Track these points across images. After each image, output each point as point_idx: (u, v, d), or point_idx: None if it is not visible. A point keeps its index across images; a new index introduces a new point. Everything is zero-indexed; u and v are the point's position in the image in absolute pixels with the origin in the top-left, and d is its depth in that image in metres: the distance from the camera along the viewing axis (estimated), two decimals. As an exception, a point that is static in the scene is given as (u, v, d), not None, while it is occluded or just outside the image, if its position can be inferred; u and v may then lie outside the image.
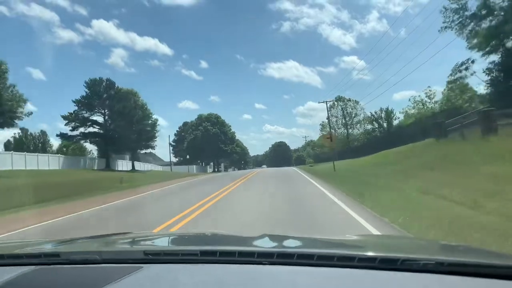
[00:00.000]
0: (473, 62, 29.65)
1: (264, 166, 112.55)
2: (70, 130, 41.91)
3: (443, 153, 16.32)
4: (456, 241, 4.09)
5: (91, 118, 43.01)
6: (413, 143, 30.25)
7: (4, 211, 12.96)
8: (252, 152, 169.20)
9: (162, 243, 2.26)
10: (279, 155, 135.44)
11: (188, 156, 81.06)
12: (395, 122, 68.75)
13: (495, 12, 24.75)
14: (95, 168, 44.07)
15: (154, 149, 55.34)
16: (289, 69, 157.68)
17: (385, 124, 72.60)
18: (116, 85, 44.52)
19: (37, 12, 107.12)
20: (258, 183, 18.50)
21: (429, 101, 61.35)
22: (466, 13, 26.48)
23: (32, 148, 60.74)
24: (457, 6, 26.69)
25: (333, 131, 72.19)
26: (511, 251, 4.03)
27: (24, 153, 34.69)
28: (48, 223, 9.84)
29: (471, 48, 28.71)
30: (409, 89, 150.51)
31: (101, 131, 43.60)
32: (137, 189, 21.18)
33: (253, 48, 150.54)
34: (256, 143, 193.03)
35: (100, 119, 43.80)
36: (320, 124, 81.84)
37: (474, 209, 6.74)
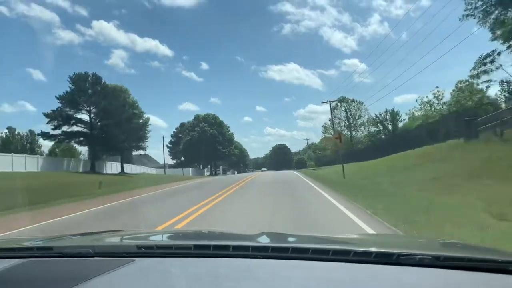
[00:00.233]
0: (499, 54, 26.22)
1: (264, 169, 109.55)
2: (52, 128, 38.48)
3: (484, 156, 12.92)
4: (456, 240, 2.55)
5: (75, 116, 39.55)
6: (430, 145, 26.98)
7: None
8: (253, 155, 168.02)
9: (156, 238, 2.18)
10: (280, 158, 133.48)
11: (183, 158, 77.47)
12: (400, 125, 66.21)
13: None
14: (80, 170, 40.72)
15: (145, 150, 51.91)
16: (290, 72, 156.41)
17: (390, 126, 69.69)
18: (103, 81, 41.13)
19: (37, 12, 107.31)
20: (251, 194, 15.25)
21: (437, 102, 58.55)
22: (491, -2, 23.09)
23: (19, 148, 57.75)
24: (481, -9, 23.31)
25: (334, 133, 69.07)
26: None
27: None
28: None
29: (495, 39, 25.31)
30: (410, 93, 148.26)
31: (86, 130, 40.14)
32: (111, 197, 18.25)
33: (254, 50, 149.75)
34: (256, 145, 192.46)
35: (85, 117, 40.41)
36: (322, 126, 78.53)
37: None
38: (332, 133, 74.55)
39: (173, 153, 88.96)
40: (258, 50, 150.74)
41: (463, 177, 10.86)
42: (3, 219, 11.19)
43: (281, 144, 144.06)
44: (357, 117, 74.48)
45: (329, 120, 73.68)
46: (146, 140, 47.77)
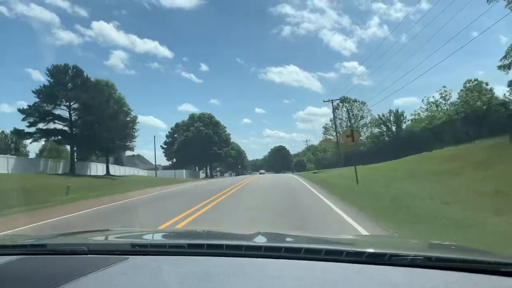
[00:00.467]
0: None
1: (263, 171, 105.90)
2: (27, 126, 34.71)
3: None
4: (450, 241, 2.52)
5: (53, 112, 35.77)
6: (453, 145, 23.49)
7: None
8: (252, 156, 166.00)
9: (151, 237, 2.16)
10: (279, 160, 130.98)
11: (175, 160, 73.62)
12: (403, 126, 63.40)
13: None
14: (60, 172, 37.02)
15: (133, 150, 48.15)
16: (289, 74, 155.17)
17: (394, 128, 66.57)
18: (85, 74, 37.37)
19: (37, 12, 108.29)
20: (237, 214, 11.69)
21: (444, 102, 55.47)
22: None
23: (3, 147, 54.29)
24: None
25: (338, 133, 65.66)
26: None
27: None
28: None
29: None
30: (410, 96, 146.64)
31: (66, 128, 36.41)
32: (75, 205, 15.48)
33: (254, 52, 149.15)
34: (256, 147, 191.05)
35: (65, 113, 36.62)
36: (323, 127, 74.94)
37: None
38: (334, 134, 71.42)
39: (168, 154, 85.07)
40: (257, 52, 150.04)
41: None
42: None
43: (280, 146, 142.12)
44: (359, 117, 70.81)
45: (330, 121, 70.45)
46: (134, 140, 44.06)
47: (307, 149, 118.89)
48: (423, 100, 55.55)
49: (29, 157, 52.21)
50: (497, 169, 10.70)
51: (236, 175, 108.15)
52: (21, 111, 34.92)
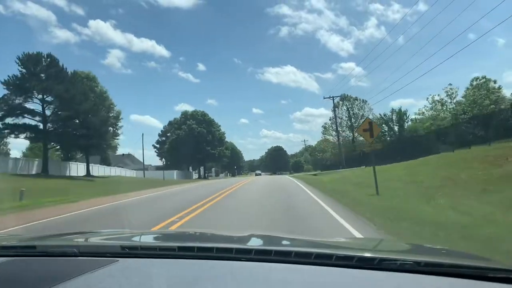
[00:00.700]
0: None
1: (259, 172, 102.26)
2: (-6, 120, 30.87)
3: None
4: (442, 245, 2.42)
5: (24, 105, 31.96)
6: (465, 147, 20.14)
7: None
8: (249, 157, 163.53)
9: (141, 239, 2.13)
10: (276, 160, 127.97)
11: (164, 160, 69.73)
12: (405, 126, 60.69)
13: None
14: (33, 172, 33.27)
15: (117, 149, 44.29)
16: (286, 74, 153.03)
17: (396, 128, 63.42)
18: (62, 64, 33.53)
19: (33, 10, 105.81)
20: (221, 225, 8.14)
21: (449, 101, 52.58)
22: None
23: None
24: None
25: (337, 132, 62.20)
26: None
27: None
28: None
29: None
30: (407, 97, 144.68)
31: (38, 123, 32.62)
32: (23, 214, 12.17)
33: (251, 52, 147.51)
34: (253, 147, 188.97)
35: (38, 107, 32.83)
36: (322, 126, 71.35)
37: None
38: (334, 133, 67.87)
39: (161, 154, 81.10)
40: (255, 52, 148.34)
41: None
42: None
43: (277, 146, 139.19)
44: (360, 117, 67.26)
45: (330, 120, 66.94)
46: (117, 138, 40.24)
47: (305, 150, 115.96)
48: (427, 98, 52.71)
49: (10, 156, 48.64)
50: None
51: (231, 176, 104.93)
52: (-13, 104, 31.17)
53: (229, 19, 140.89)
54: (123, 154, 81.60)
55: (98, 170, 46.94)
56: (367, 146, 12.06)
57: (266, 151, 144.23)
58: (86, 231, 2.44)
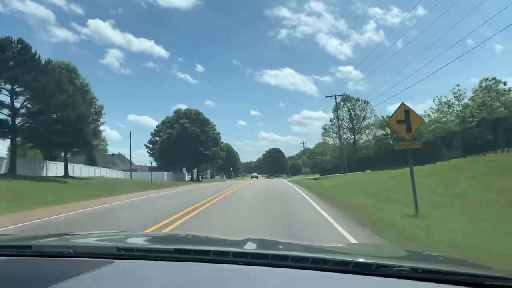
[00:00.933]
0: None
1: (255, 174, 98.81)
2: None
3: None
4: (439, 252, 2.75)
5: (-10, 97, 28.45)
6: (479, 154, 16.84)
7: None
8: (247, 159, 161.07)
9: (138, 241, 2.16)
10: (273, 163, 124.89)
11: (154, 160, 66.09)
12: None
13: None
14: (1, 172, 29.76)
15: (98, 148, 40.58)
16: (285, 77, 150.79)
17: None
18: (35, 52, 29.97)
19: (32, 9, 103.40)
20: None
21: (457, 102, 49.65)
22: None
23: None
24: None
25: (339, 134, 58.95)
26: None
27: None
28: None
29: None
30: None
31: (6, 118, 29.08)
32: None
33: (250, 54, 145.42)
34: (251, 149, 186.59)
35: (7, 99, 29.27)
36: (322, 128, 67.98)
37: None
38: (334, 135, 64.52)
39: (153, 154, 77.43)
40: (254, 54, 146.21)
41: None
42: None
43: (274, 148, 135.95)
44: (361, 118, 63.80)
45: (330, 122, 63.67)
46: (98, 135, 36.59)
47: (303, 152, 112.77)
48: (434, 100, 49.79)
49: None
50: None
51: (227, 178, 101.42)
52: None
53: (228, 21, 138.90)
54: (113, 154, 77.96)
55: (80, 170, 43.34)
56: (400, 145, 8.57)
57: (264, 153, 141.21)
58: (82, 232, 2.41)
